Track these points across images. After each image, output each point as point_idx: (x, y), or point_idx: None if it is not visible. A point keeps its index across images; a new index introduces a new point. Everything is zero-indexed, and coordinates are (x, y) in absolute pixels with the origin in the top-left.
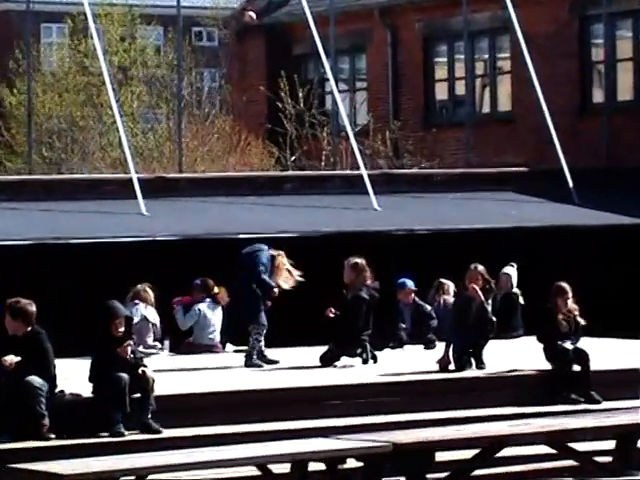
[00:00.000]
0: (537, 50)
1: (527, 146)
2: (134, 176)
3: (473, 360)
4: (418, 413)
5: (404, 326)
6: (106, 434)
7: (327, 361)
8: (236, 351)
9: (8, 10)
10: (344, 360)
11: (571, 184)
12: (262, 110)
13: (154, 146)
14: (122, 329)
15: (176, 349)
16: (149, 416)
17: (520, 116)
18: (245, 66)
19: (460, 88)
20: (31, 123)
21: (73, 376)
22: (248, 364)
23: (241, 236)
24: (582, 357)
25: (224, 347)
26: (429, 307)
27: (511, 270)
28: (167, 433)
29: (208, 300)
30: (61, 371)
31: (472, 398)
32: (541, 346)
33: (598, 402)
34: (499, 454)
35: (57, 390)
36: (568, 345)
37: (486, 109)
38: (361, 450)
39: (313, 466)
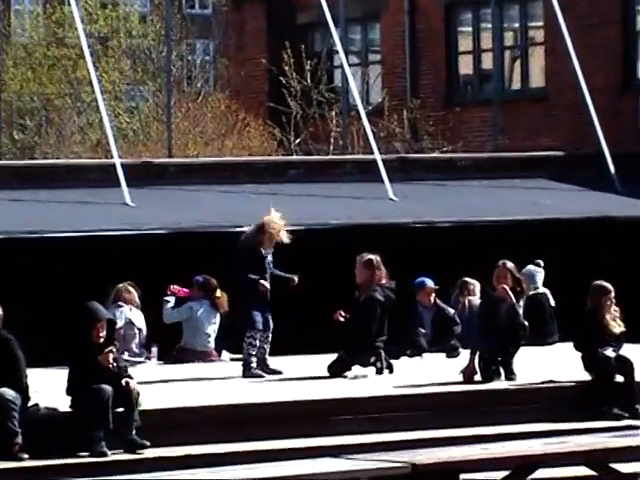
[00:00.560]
0: (574, 18)
1: (563, 127)
2: (117, 161)
3: (502, 370)
4: (440, 430)
5: (423, 331)
6: (86, 453)
7: (336, 371)
8: (233, 359)
9: None
10: (356, 370)
11: (613, 170)
12: (262, 86)
13: (140, 127)
14: (104, 334)
15: (165, 357)
16: (134, 433)
17: (555, 93)
18: (243, 37)
19: (487, 61)
20: (0, 102)
21: (48, 388)
22: (247, 374)
23: (239, 229)
24: (626, 366)
25: (220, 355)
26: (452, 310)
27: (535, 269)
28: (155, 452)
29: (206, 302)
30: (33, 382)
31: (501, 413)
32: (579, 354)
33: None
34: (531, 476)
35: (30, 404)
36: (610, 353)
37: (516, 85)
38: (376, 471)
39: None
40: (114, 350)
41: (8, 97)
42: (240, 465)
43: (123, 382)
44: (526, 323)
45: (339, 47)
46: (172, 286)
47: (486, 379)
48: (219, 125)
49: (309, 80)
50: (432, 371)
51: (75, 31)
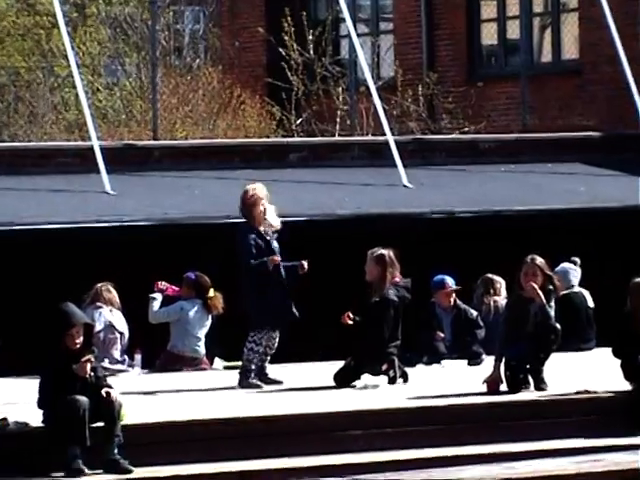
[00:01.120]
0: None
1: (599, 105)
2: (96, 144)
3: (531, 379)
4: (460, 447)
5: (442, 335)
6: (61, 474)
7: (344, 380)
8: (227, 367)
9: None
10: (365, 379)
11: None
12: (260, 59)
13: (121, 106)
14: (80, 340)
15: (150, 364)
16: (115, 451)
17: (590, 66)
18: (237, 3)
19: (513, 30)
20: None
21: (17, 400)
22: (243, 384)
23: (233, 220)
24: None
25: (212, 362)
26: (474, 311)
27: (570, 267)
28: (139, 473)
29: (198, 302)
30: (1, 394)
31: (529, 428)
32: (618, 361)
33: None
34: None
35: None
36: None
37: (546, 57)
38: None
39: None
40: (92, 358)
41: None
42: None
43: (103, 392)
44: (558, 326)
45: (346, 14)
46: (160, 282)
47: (513, 389)
48: (211, 103)
49: (312, 52)
50: (452, 380)
51: None
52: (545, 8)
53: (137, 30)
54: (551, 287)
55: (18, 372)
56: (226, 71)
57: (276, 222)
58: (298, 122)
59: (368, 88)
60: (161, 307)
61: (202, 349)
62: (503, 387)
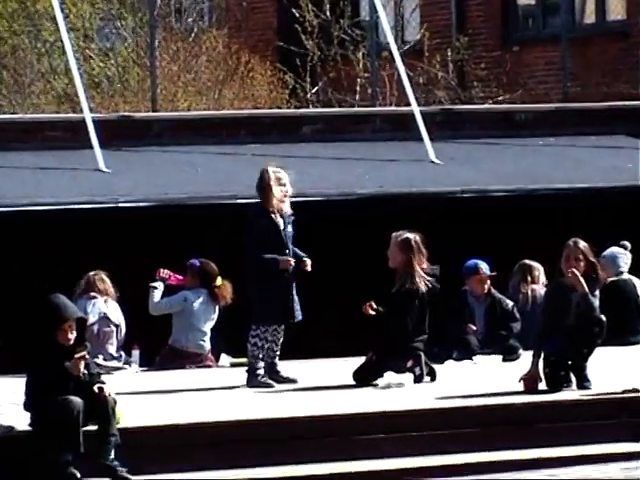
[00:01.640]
0: None
1: None
2: (88, 116)
3: (573, 376)
4: (494, 452)
5: (474, 328)
6: None
7: (365, 378)
8: (234, 364)
9: None
10: (389, 377)
11: None
12: (270, 21)
13: (116, 74)
14: (73, 336)
15: (150, 361)
16: (112, 456)
17: (638, 28)
18: None
19: None
20: None
21: (2, 402)
22: (252, 383)
23: (240, 201)
24: None
25: (218, 359)
26: (510, 302)
27: (618, 251)
28: None
29: (204, 292)
30: None
31: (571, 430)
32: None
33: None
34: None
35: None
36: None
37: (590, 18)
38: None
39: None
40: (86, 354)
41: None
42: None
43: (95, 388)
44: (603, 318)
45: None
46: (162, 270)
47: (553, 388)
48: (216, 70)
49: (329, 13)
50: (485, 378)
51: None
52: None
53: None
54: (594, 275)
55: (3, 371)
56: (233, 34)
57: (288, 208)
58: (313, 91)
59: (391, 53)
60: (163, 297)
61: (207, 344)
62: (542, 386)
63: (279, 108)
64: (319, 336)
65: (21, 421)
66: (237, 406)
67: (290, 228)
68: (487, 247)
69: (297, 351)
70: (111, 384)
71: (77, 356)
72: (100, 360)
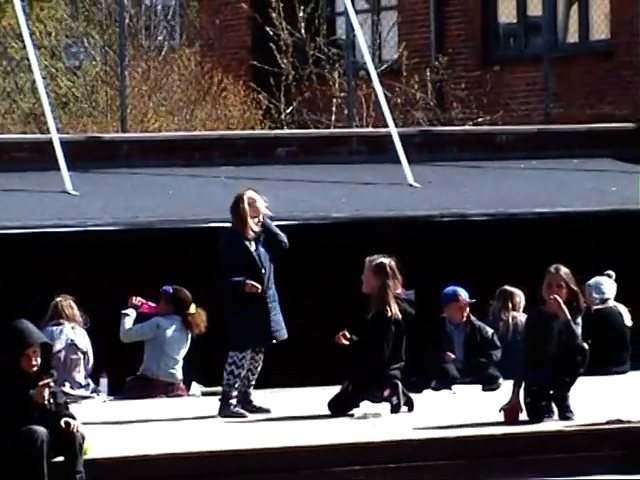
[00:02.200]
0: None
1: (633, 92)
2: (55, 137)
3: (555, 407)
4: None
5: (453, 356)
6: None
7: (340, 408)
8: (205, 394)
9: None
10: (365, 407)
11: None
12: (244, 40)
13: (84, 93)
14: (37, 362)
15: (119, 390)
16: None
17: (622, 48)
18: None
19: (535, 6)
20: None
21: None
22: (225, 413)
23: (213, 224)
24: None
25: (189, 388)
26: (490, 329)
27: (604, 280)
28: None
29: (177, 319)
30: None
31: (553, 462)
32: None
33: None
34: None
35: None
36: None
37: (573, 37)
38: None
39: None
40: (51, 382)
41: None
42: None
43: (62, 423)
44: (586, 346)
45: None
46: (134, 297)
47: (534, 418)
48: (188, 90)
49: (304, 31)
50: (464, 408)
51: None
52: None
53: (102, 6)
54: (575, 303)
55: None
56: (205, 53)
57: (256, 227)
58: (288, 111)
59: (368, 73)
60: (135, 324)
61: (179, 373)
62: (523, 416)
63: (253, 129)
64: (293, 364)
65: None
66: (208, 437)
67: (261, 247)
68: (467, 272)
69: (270, 380)
70: (79, 413)
71: (41, 383)
72: (67, 388)
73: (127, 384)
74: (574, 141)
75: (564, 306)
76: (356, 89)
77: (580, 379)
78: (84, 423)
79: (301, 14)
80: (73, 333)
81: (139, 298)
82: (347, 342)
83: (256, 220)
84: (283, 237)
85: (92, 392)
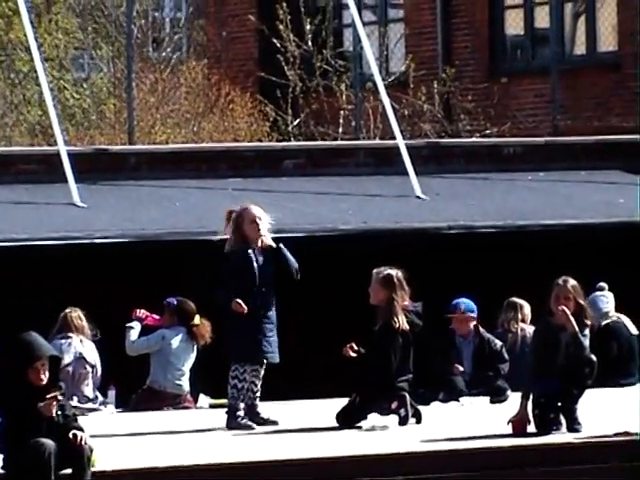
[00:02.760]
0: None
1: None
2: (62, 149)
3: (563, 419)
4: None
5: (461, 369)
6: None
7: (348, 420)
8: (213, 406)
9: None
10: (373, 419)
11: None
12: (251, 52)
13: (92, 105)
14: (45, 376)
15: (126, 402)
16: None
17: (630, 59)
18: None
19: (542, 18)
20: None
21: None
22: (232, 425)
23: (221, 237)
24: None
25: (196, 400)
26: (499, 342)
27: (598, 295)
28: None
29: (182, 331)
30: None
31: (562, 474)
32: None
33: None
34: None
35: None
36: None
37: (580, 49)
38: None
39: None
40: (59, 395)
41: None
42: None
43: (70, 435)
44: (594, 358)
45: (350, 0)
46: (138, 310)
47: (542, 430)
48: (195, 102)
49: (311, 43)
50: (472, 420)
51: None
52: None
53: (110, 18)
54: (584, 316)
55: None
56: (212, 65)
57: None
58: (295, 124)
59: (375, 85)
60: (140, 337)
61: (186, 385)
62: (531, 428)
63: (260, 141)
64: (301, 376)
65: None
66: (216, 449)
67: (268, 266)
68: (474, 284)
69: (278, 392)
70: (86, 426)
71: (50, 396)
72: (75, 401)
73: (135, 396)
74: (581, 153)
75: (572, 318)
76: (363, 101)
77: (588, 391)
78: (92, 435)
79: (308, 26)
80: (82, 346)
81: (143, 310)
82: (355, 354)
83: (256, 231)
84: (294, 267)
85: (100, 404)
